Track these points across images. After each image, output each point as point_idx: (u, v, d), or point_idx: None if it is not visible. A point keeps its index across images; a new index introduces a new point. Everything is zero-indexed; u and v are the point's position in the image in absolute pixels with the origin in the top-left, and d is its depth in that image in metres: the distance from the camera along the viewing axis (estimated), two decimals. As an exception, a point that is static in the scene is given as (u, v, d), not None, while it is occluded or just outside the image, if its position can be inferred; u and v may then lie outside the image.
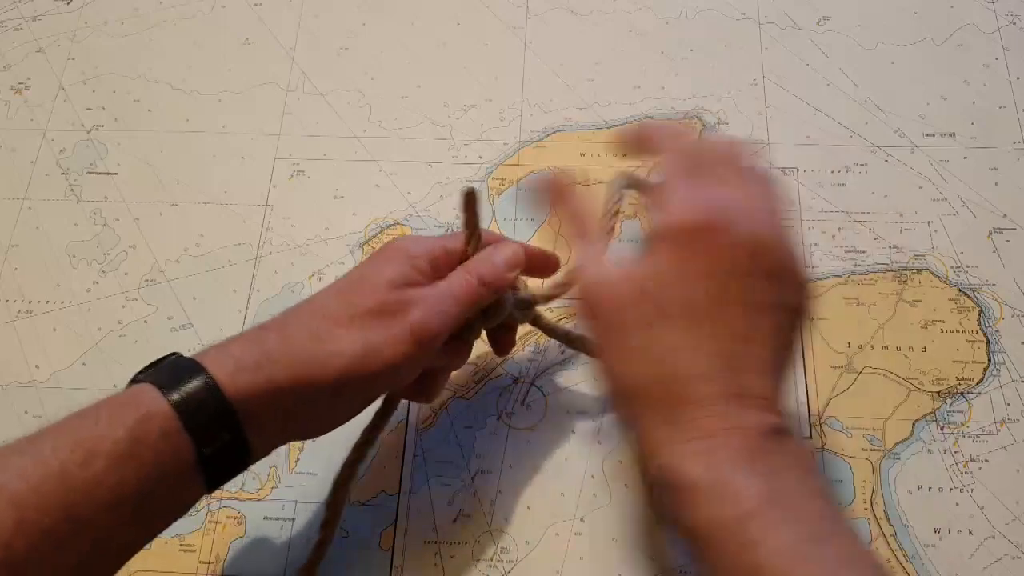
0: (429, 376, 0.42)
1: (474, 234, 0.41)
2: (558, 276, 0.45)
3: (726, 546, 0.30)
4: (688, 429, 0.32)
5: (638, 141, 0.42)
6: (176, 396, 0.32)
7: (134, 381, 0.35)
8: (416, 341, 0.37)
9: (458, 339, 0.41)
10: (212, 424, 0.33)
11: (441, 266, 0.40)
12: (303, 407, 0.36)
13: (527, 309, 0.44)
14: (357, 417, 0.40)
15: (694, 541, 0.31)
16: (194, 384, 0.33)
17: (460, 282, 0.39)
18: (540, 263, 0.44)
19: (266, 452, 0.36)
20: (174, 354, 0.36)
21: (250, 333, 0.36)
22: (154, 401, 0.32)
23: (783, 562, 0.29)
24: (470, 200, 0.40)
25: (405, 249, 0.39)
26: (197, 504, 0.46)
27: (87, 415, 0.32)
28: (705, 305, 0.33)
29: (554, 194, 0.42)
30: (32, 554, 0.29)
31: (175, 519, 0.34)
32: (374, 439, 0.43)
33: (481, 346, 0.50)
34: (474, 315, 0.41)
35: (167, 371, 0.34)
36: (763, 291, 0.33)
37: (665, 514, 0.33)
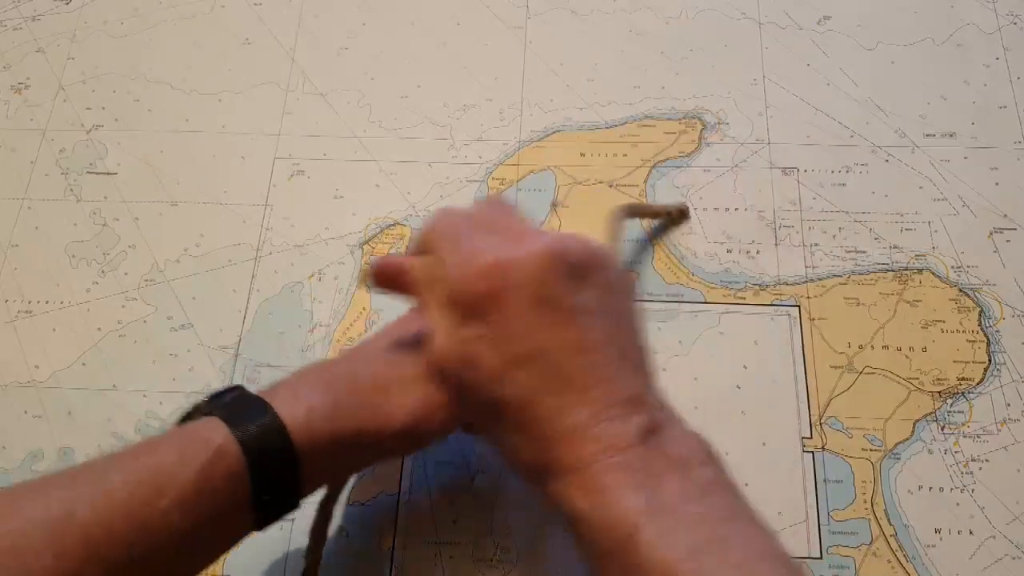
0: None
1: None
2: None
3: (615, 571, 0.30)
4: (567, 469, 0.32)
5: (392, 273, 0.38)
6: (245, 437, 0.32)
7: (197, 409, 0.35)
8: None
9: None
10: (275, 470, 0.33)
11: None
12: (357, 454, 0.37)
13: None
14: None
15: (592, 569, 0.31)
16: (264, 426, 0.33)
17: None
18: None
19: (311, 492, 0.36)
20: (238, 387, 0.36)
21: (320, 376, 0.36)
22: (224, 439, 0.32)
23: None
24: None
25: None
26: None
27: (156, 448, 0.32)
28: (532, 345, 0.32)
29: (379, 278, 0.39)
30: None
31: (223, 554, 0.35)
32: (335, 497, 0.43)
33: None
34: None
35: (236, 406, 0.34)
36: (573, 298, 0.33)
37: (582, 555, 0.32)
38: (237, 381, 0.49)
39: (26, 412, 0.50)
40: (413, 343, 0.37)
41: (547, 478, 0.33)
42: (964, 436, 0.46)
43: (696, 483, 0.31)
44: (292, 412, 0.34)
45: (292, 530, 0.46)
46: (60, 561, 0.29)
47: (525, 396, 0.33)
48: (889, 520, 0.44)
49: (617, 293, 0.35)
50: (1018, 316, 0.49)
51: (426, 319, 0.36)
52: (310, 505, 0.46)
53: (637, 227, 0.53)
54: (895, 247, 0.51)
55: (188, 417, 0.35)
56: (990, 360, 0.48)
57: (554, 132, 0.57)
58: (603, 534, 0.30)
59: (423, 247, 0.37)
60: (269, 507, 0.34)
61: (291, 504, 0.35)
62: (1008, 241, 0.51)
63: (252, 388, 0.36)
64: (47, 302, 0.53)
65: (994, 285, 0.50)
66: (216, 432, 0.32)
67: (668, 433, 0.32)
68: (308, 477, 0.34)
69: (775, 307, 0.50)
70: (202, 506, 0.31)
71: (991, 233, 0.52)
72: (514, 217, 0.38)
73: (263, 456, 0.32)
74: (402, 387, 0.36)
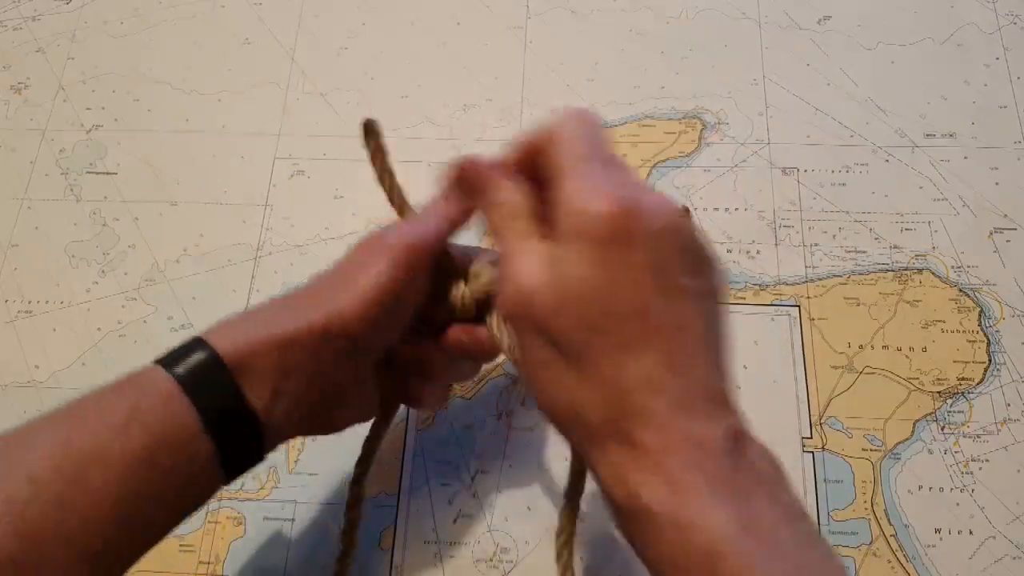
0: (411, 380, 0.41)
1: (385, 172, 0.41)
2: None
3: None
4: (643, 450, 0.28)
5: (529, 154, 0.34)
6: (178, 368, 0.33)
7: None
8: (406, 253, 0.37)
9: (421, 334, 0.40)
10: (209, 383, 0.33)
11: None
12: (295, 369, 0.35)
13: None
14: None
15: (657, 572, 0.29)
16: (195, 355, 0.34)
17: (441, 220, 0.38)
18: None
19: (280, 431, 0.36)
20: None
21: (259, 305, 0.38)
22: (155, 372, 0.33)
23: None
24: (370, 131, 0.39)
25: (385, 244, 0.38)
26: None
27: (91, 393, 0.33)
28: (645, 301, 0.29)
29: (467, 181, 0.37)
30: (46, 522, 0.29)
31: (197, 498, 0.34)
32: (374, 450, 0.43)
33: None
34: (431, 307, 0.39)
35: (173, 351, 0.35)
36: (684, 278, 0.30)
37: (631, 543, 0.30)
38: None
39: (26, 412, 0.50)
40: (356, 265, 0.38)
41: (608, 448, 0.29)
42: (964, 436, 0.46)
43: (783, 505, 0.29)
44: (220, 335, 0.35)
45: (292, 530, 0.46)
46: (15, 529, 0.29)
47: (615, 352, 0.29)
48: (889, 520, 0.44)
49: (718, 295, 0.32)
50: (1018, 316, 0.49)
51: (511, 245, 0.32)
52: (309, 500, 0.46)
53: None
54: (895, 247, 0.51)
55: None
56: (990, 360, 0.48)
57: (554, 132, 0.57)
58: (675, 535, 0.27)
59: (537, 152, 0.33)
60: (225, 436, 0.33)
61: (253, 439, 0.34)
62: (1008, 241, 0.51)
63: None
64: (47, 302, 0.53)
65: (994, 285, 0.50)
66: (148, 370, 0.34)
67: (752, 445, 0.29)
68: (256, 396, 0.34)
69: (775, 307, 0.50)
70: (145, 433, 0.31)
71: (991, 233, 0.52)
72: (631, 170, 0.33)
73: (194, 374, 0.33)
74: (328, 292, 0.37)
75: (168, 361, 0.34)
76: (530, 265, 0.31)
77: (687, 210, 0.52)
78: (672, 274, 0.29)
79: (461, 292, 0.38)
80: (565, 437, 0.32)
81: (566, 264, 0.30)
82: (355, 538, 0.43)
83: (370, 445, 0.43)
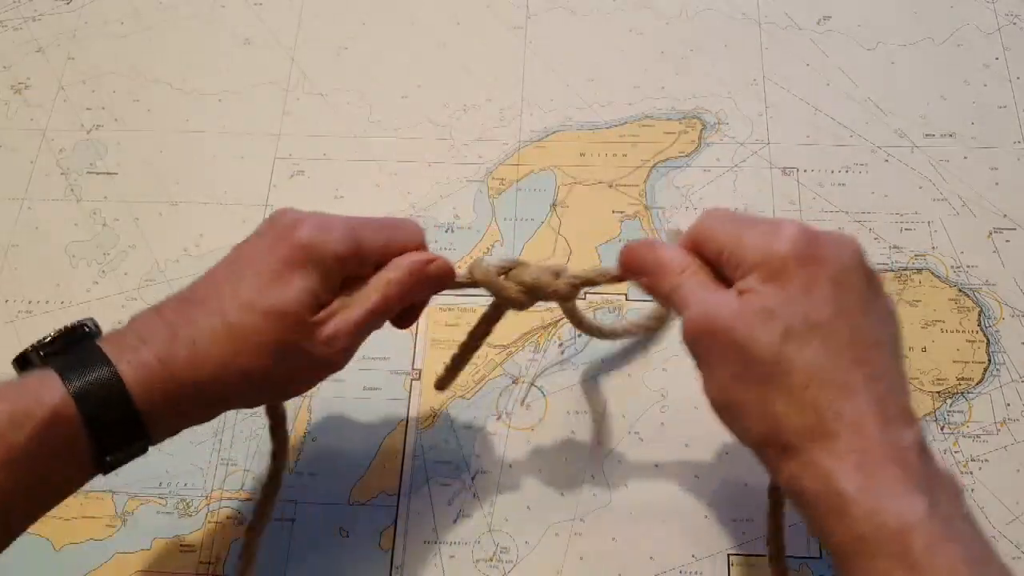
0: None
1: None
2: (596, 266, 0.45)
3: (882, 560, 0.29)
4: (840, 445, 0.30)
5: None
6: (81, 388, 0.32)
7: (36, 351, 0.34)
8: (319, 378, 0.37)
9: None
10: (117, 430, 0.33)
11: (348, 269, 0.37)
12: (202, 409, 0.36)
13: (569, 295, 0.41)
14: None
15: (848, 557, 0.30)
16: (97, 373, 0.32)
17: (376, 298, 0.37)
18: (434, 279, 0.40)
19: (160, 440, 0.35)
20: (83, 326, 0.35)
21: (159, 326, 0.35)
22: (60, 400, 0.31)
23: None
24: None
25: (312, 250, 0.36)
26: (197, 504, 0.46)
27: None
28: (836, 317, 0.32)
29: (629, 261, 0.39)
30: None
31: (64, 497, 0.34)
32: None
33: (483, 346, 0.50)
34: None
35: (71, 356, 0.33)
36: (870, 296, 0.33)
37: (813, 530, 0.32)
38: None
39: (26, 412, 0.50)
40: (255, 297, 0.35)
41: (804, 449, 0.31)
42: (964, 436, 0.46)
43: (966, 508, 0.31)
44: (129, 363, 0.33)
45: (293, 530, 0.46)
46: None
47: (814, 364, 0.31)
48: (889, 520, 0.44)
49: (896, 315, 0.35)
50: (1018, 316, 0.49)
51: (695, 293, 0.34)
52: (309, 500, 0.46)
53: (636, 227, 0.53)
54: (895, 247, 0.51)
55: (25, 360, 0.35)
56: (990, 360, 0.48)
57: (554, 132, 0.57)
58: (868, 516, 0.29)
59: (698, 243, 0.36)
60: (115, 462, 0.33)
61: (139, 450, 0.34)
62: (1008, 241, 0.51)
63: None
64: (47, 302, 0.53)
65: (994, 285, 0.50)
66: (49, 388, 0.32)
67: (934, 457, 0.32)
68: (154, 428, 0.34)
69: (775, 307, 0.50)
70: (40, 471, 0.31)
71: (991, 233, 0.52)
72: None
73: (103, 413, 0.32)
74: (245, 348, 0.34)
75: (68, 372, 0.32)
76: (720, 298, 0.34)
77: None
78: (860, 292, 0.33)
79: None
80: (753, 446, 0.34)
81: (760, 296, 0.32)
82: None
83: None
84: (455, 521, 0.46)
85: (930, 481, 0.30)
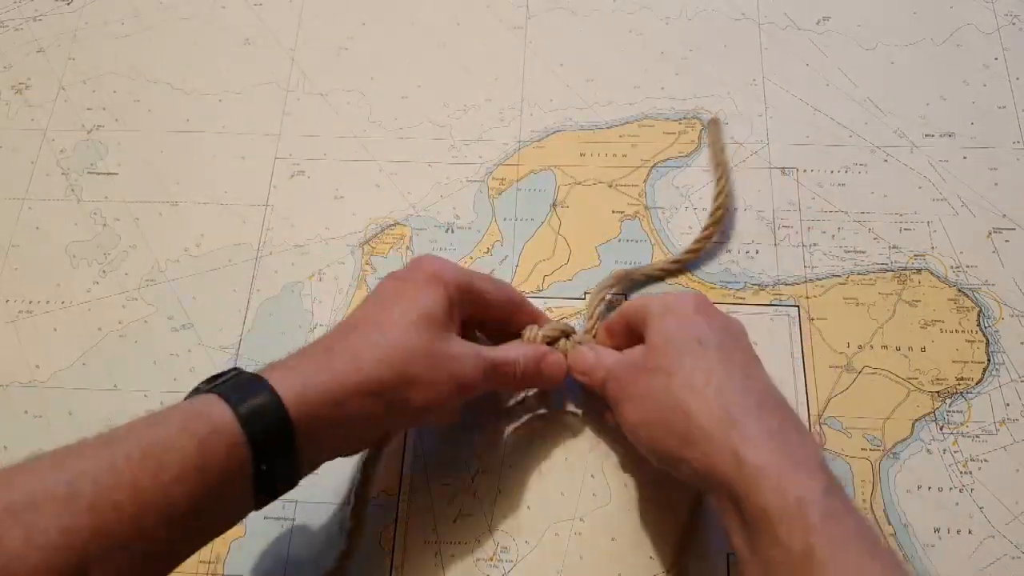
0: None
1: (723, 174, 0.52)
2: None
3: (783, 526, 0.32)
4: (747, 429, 0.35)
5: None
6: (242, 409, 0.34)
7: (196, 391, 0.36)
8: (458, 393, 0.41)
9: None
10: (272, 441, 0.34)
11: (466, 304, 0.43)
12: (355, 428, 0.38)
13: None
14: None
15: (753, 529, 0.34)
16: (260, 400, 0.34)
17: (502, 369, 0.43)
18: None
19: (310, 470, 0.38)
20: (235, 370, 0.37)
21: (317, 351, 0.38)
22: (222, 414, 0.34)
23: (838, 552, 0.32)
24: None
25: (436, 275, 0.42)
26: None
27: (158, 423, 0.33)
28: (719, 340, 0.39)
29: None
30: (103, 557, 0.30)
31: (225, 531, 0.35)
32: (379, 456, 0.46)
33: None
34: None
35: (234, 384, 0.35)
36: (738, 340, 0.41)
37: (722, 514, 0.36)
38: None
39: (26, 412, 0.50)
40: (406, 318, 0.39)
41: (718, 435, 0.36)
42: (963, 436, 0.46)
43: (851, 498, 0.36)
44: (287, 384, 0.35)
45: (293, 530, 0.46)
46: (66, 537, 0.29)
47: (713, 369, 0.38)
48: (888, 520, 0.44)
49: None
50: (1017, 316, 0.49)
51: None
52: (309, 500, 0.46)
53: (636, 227, 0.53)
54: (894, 247, 0.51)
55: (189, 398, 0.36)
56: (989, 360, 0.48)
57: (554, 132, 0.57)
58: (772, 493, 0.33)
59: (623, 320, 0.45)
60: (268, 479, 0.35)
61: (290, 478, 0.36)
62: (1007, 241, 0.51)
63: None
64: (48, 302, 0.53)
65: (993, 285, 0.50)
66: (215, 407, 0.34)
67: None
68: (305, 447, 0.36)
69: (774, 307, 0.50)
70: (203, 478, 0.32)
71: (990, 233, 0.52)
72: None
73: (260, 427, 0.34)
74: (403, 360, 0.38)
75: (233, 399, 0.34)
76: (627, 351, 0.43)
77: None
78: (728, 333, 0.41)
79: (533, 333, 0.45)
80: (675, 458, 0.38)
81: (660, 328, 0.40)
82: (360, 539, 0.44)
83: (372, 458, 0.45)
84: (455, 521, 0.46)
85: (824, 465, 0.35)
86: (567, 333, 0.46)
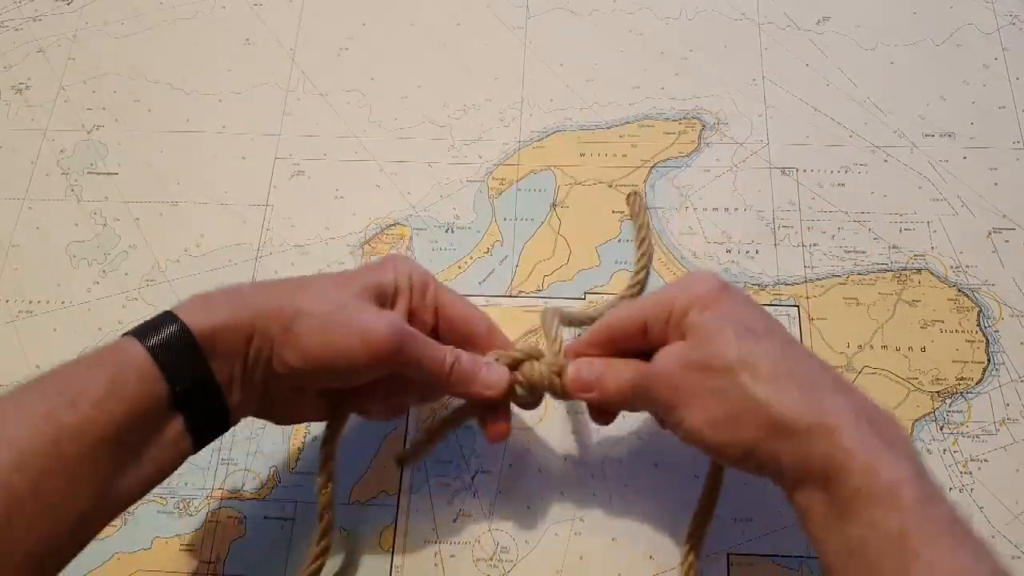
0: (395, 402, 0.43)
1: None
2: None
3: (876, 510, 0.31)
4: (829, 414, 0.34)
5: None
6: (152, 341, 0.35)
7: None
8: (363, 348, 0.37)
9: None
10: (180, 358, 0.35)
11: (417, 303, 0.41)
12: (264, 356, 0.37)
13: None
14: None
15: (843, 511, 0.32)
16: (168, 330, 0.35)
17: (440, 359, 0.40)
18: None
19: (241, 409, 0.38)
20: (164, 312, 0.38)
21: (235, 285, 0.39)
22: (132, 346, 0.35)
23: (930, 536, 0.31)
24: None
25: (397, 268, 0.41)
26: (197, 504, 0.46)
27: (73, 364, 0.35)
28: (765, 327, 0.37)
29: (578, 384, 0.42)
30: (29, 490, 0.31)
31: (167, 466, 0.36)
32: (330, 455, 0.43)
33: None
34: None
35: (147, 324, 0.36)
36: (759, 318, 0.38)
37: (808, 500, 0.34)
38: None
39: (27, 412, 0.50)
40: (342, 275, 0.40)
41: (803, 422, 0.34)
42: (963, 436, 0.46)
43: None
44: (193, 310, 0.36)
45: (293, 530, 0.46)
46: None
47: (774, 354, 0.36)
48: (888, 520, 0.44)
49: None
50: (1017, 316, 0.49)
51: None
52: (309, 500, 0.46)
53: (630, 228, 0.53)
54: (894, 247, 0.51)
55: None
56: (989, 360, 0.48)
57: (554, 132, 0.57)
58: (863, 475, 0.32)
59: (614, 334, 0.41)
60: (192, 407, 0.36)
61: (217, 411, 0.37)
62: (1007, 241, 0.51)
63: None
64: (48, 302, 0.53)
65: (993, 285, 0.50)
66: (125, 343, 0.35)
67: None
68: (222, 371, 0.36)
69: (774, 307, 0.50)
70: (121, 406, 0.33)
71: (990, 233, 0.52)
72: None
73: (168, 350, 0.35)
74: (311, 294, 0.38)
75: (141, 332, 0.35)
76: (663, 353, 0.38)
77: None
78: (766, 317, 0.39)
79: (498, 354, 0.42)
80: (748, 453, 0.35)
81: (705, 320, 0.37)
82: (331, 540, 0.43)
83: (326, 450, 0.42)
84: (455, 521, 0.46)
85: (912, 447, 0.34)
86: (534, 356, 0.42)
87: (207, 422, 0.37)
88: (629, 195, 0.53)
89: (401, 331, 0.38)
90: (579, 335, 0.42)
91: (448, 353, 0.40)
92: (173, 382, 0.35)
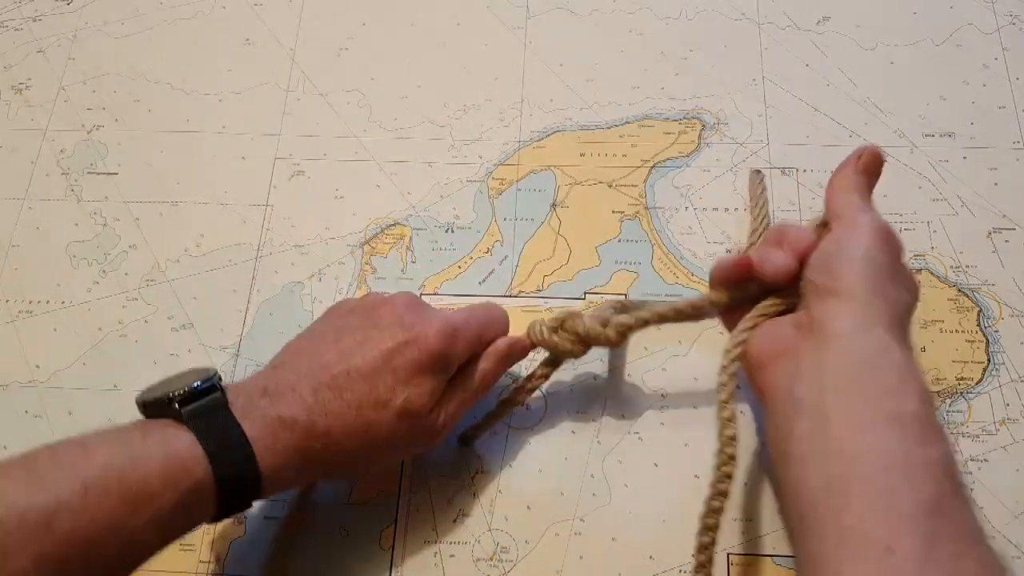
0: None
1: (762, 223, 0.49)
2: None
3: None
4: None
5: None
6: (221, 472, 0.35)
7: (168, 401, 0.36)
8: (439, 436, 0.42)
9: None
10: (241, 494, 0.37)
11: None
12: (324, 463, 0.39)
13: (619, 341, 0.44)
14: None
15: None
16: (240, 462, 0.36)
17: (477, 387, 0.43)
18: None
19: (271, 491, 0.39)
20: (213, 387, 0.37)
21: (298, 403, 0.38)
22: (204, 473, 0.35)
23: None
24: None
25: (441, 359, 0.41)
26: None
27: (138, 462, 0.34)
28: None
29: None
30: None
31: (179, 538, 0.37)
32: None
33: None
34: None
35: (213, 428, 0.36)
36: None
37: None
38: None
39: (26, 412, 0.50)
40: (388, 368, 0.39)
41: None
42: (963, 436, 0.46)
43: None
44: (266, 443, 0.36)
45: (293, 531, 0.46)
46: (38, 564, 0.30)
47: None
48: (888, 520, 0.44)
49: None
50: (1017, 316, 0.49)
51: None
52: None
53: (636, 227, 0.53)
54: (894, 247, 0.51)
55: (156, 406, 0.37)
56: (989, 360, 0.48)
57: (554, 132, 0.57)
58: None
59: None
60: (224, 514, 0.37)
61: (245, 508, 0.38)
62: (1007, 241, 0.51)
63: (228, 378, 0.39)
64: (48, 302, 0.53)
65: (993, 285, 0.50)
66: (199, 464, 0.35)
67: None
68: (270, 488, 0.38)
69: (774, 307, 0.50)
70: (175, 522, 0.35)
71: (990, 233, 0.52)
72: None
73: (232, 485, 0.36)
74: (378, 415, 0.39)
75: (216, 456, 0.35)
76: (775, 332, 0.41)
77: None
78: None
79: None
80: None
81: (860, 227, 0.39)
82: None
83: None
84: (455, 521, 0.46)
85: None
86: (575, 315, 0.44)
87: (237, 508, 0.38)
88: (752, 172, 0.53)
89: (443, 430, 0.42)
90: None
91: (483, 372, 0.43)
92: (221, 510, 0.36)
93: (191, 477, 0.34)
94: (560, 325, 0.44)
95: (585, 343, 0.44)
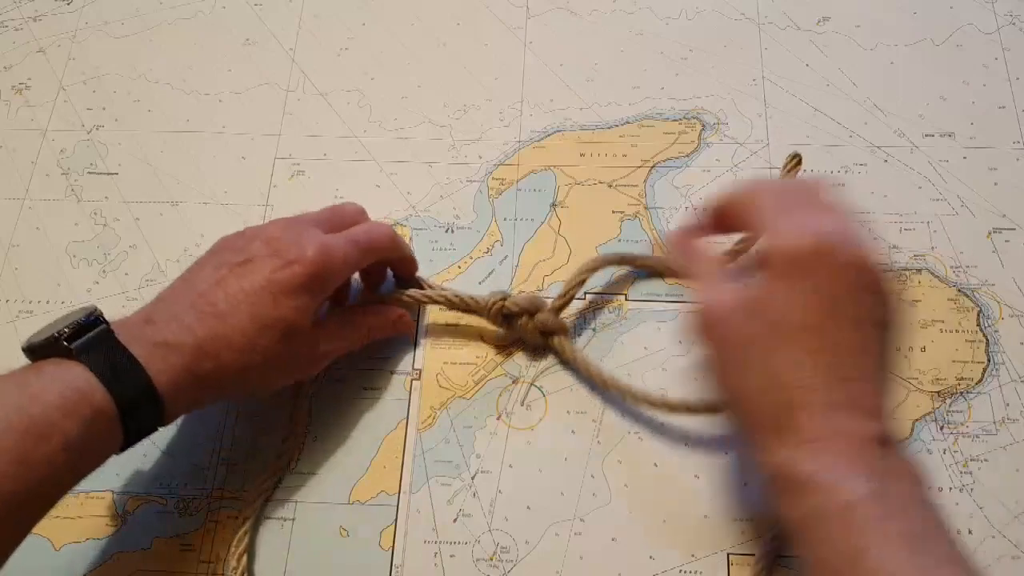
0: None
1: None
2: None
3: (830, 533, 0.33)
4: (796, 433, 0.34)
5: (717, 217, 0.42)
6: (121, 398, 0.37)
7: (57, 340, 0.38)
8: (321, 361, 0.46)
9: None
10: (145, 419, 0.39)
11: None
12: (212, 400, 0.43)
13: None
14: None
15: (802, 531, 0.34)
16: (136, 384, 0.37)
17: (361, 338, 0.48)
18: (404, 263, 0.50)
19: (175, 414, 0.41)
20: (95, 318, 0.39)
21: (184, 331, 0.40)
22: (103, 400, 0.36)
23: (887, 552, 0.31)
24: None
25: (317, 276, 0.42)
26: (197, 504, 0.46)
27: (41, 397, 0.35)
28: (816, 321, 0.35)
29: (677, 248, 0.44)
30: None
31: (88, 473, 0.38)
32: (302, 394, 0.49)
33: (483, 346, 0.50)
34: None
35: (107, 359, 0.37)
36: (868, 307, 0.36)
37: (778, 509, 0.36)
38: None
39: (27, 412, 0.50)
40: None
41: (769, 429, 0.36)
42: (963, 436, 0.46)
43: (915, 496, 0.34)
44: (160, 368, 0.38)
45: (292, 530, 0.46)
46: None
47: (789, 362, 0.35)
48: (888, 520, 0.44)
49: (890, 325, 0.37)
50: (1017, 316, 0.49)
51: (707, 287, 0.40)
52: (309, 500, 0.46)
53: (636, 227, 0.53)
54: (894, 247, 0.51)
55: (44, 347, 0.38)
56: (989, 360, 0.48)
57: (554, 132, 0.57)
58: (819, 500, 0.33)
59: (732, 213, 0.41)
60: (133, 438, 0.39)
61: (152, 431, 0.40)
62: (1007, 241, 0.51)
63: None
64: (48, 302, 0.53)
65: (993, 285, 0.50)
66: (95, 390, 0.36)
67: (895, 450, 0.35)
68: (170, 412, 0.39)
69: (774, 307, 0.50)
70: (84, 453, 0.36)
71: (990, 233, 0.52)
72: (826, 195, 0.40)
73: (136, 410, 0.37)
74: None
75: (112, 385, 0.37)
76: (722, 294, 0.38)
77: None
78: (859, 301, 0.36)
79: (530, 323, 0.48)
80: (732, 418, 0.40)
81: (759, 283, 0.37)
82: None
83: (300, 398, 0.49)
84: (455, 521, 0.46)
85: (881, 469, 0.33)
86: (533, 310, 0.48)
87: (142, 432, 0.39)
88: (792, 156, 0.52)
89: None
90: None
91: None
92: (128, 433, 0.38)
93: (90, 405, 0.36)
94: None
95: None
